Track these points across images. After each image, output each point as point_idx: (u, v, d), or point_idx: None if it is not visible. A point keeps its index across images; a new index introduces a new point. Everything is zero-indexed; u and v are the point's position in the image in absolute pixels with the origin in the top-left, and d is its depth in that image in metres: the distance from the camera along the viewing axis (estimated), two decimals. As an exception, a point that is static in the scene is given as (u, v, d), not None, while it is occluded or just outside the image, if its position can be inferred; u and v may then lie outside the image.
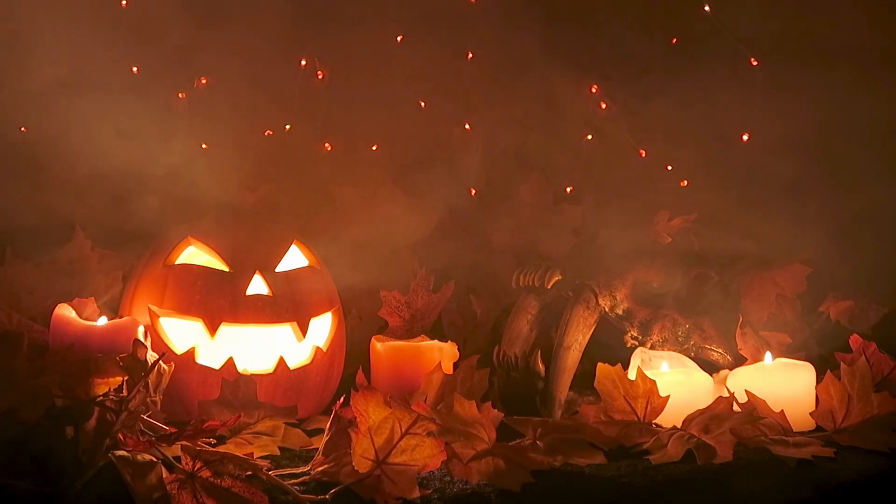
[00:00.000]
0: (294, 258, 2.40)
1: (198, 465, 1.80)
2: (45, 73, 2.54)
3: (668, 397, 2.16)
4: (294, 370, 2.32)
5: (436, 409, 1.96)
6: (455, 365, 2.36)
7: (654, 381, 2.17)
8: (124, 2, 2.62)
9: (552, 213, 2.85)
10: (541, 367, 2.38)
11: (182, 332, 2.30)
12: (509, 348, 2.45)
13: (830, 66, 2.69)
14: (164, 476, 1.81)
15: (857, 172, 2.67)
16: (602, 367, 2.18)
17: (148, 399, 2.02)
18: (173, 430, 1.97)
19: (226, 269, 2.32)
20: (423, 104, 2.84)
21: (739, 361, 2.43)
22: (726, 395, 2.19)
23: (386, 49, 2.82)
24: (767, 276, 2.54)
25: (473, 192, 2.82)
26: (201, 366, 2.27)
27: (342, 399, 1.99)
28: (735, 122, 2.73)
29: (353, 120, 2.84)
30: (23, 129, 2.65)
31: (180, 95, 2.71)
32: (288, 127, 2.77)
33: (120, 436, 1.89)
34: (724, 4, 2.69)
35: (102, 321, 2.23)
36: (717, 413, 2.12)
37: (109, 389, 1.91)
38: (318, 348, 2.37)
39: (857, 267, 2.63)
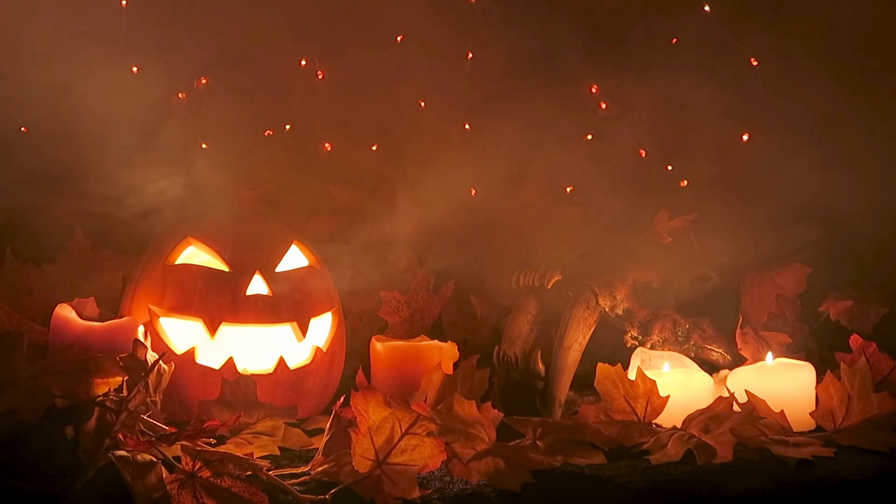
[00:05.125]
0: (294, 258, 2.40)
1: (198, 465, 1.80)
2: (45, 72, 2.54)
3: (668, 397, 2.16)
4: (294, 370, 2.33)
5: (436, 409, 1.96)
6: (455, 365, 2.37)
7: (654, 381, 2.17)
8: (124, 2, 2.62)
9: (552, 213, 2.85)
10: (541, 367, 2.38)
11: (182, 332, 2.30)
12: (509, 348, 2.45)
13: (830, 65, 2.69)
14: (164, 476, 1.81)
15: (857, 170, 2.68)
16: (602, 367, 2.18)
17: (148, 399, 2.02)
18: (173, 430, 1.97)
19: (226, 269, 2.32)
20: (423, 104, 2.84)
21: (739, 361, 2.43)
22: (726, 395, 2.19)
23: (386, 49, 2.81)
24: (767, 276, 2.54)
25: (473, 192, 2.82)
26: (201, 366, 2.27)
27: (342, 399, 1.99)
28: (735, 121, 2.73)
29: (353, 120, 2.83)
30: (23, 129, 2.65)
31: (180, 95, 2.71)
32: (288, 127, 2.77)
33: (120, 436, 1.89)
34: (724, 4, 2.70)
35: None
36: (717, 413, 2.12)
37: (109, 389, 1.91)
38: (318, 348, 2.37)
39: (858, 267, 2.63)
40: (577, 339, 2.38)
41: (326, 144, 2.83)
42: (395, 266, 2.71)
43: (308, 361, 2.35)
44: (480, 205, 2.81)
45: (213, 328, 2.27)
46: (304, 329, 2.32)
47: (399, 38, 2.81)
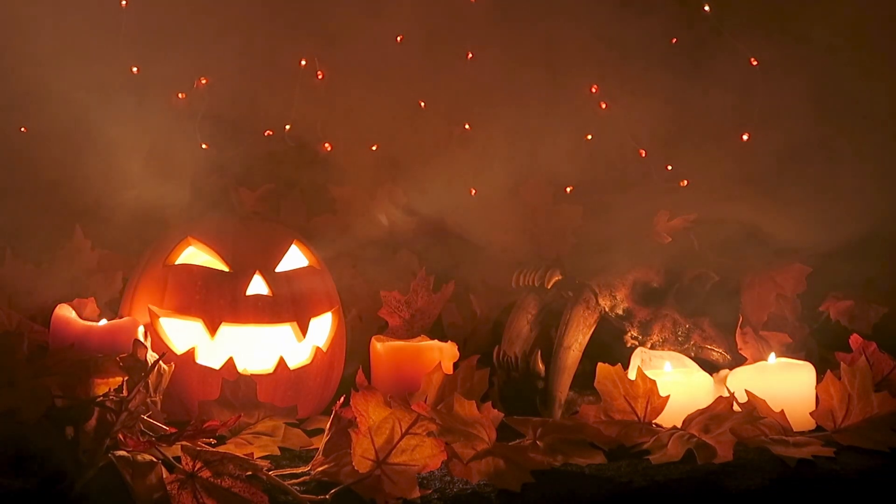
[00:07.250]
0: (294, 258, 2.40)
1: (198, 465, 1.80)
2: (45, 72, 2.54)
3: (668, 397, 2.16)
4: (294, 370, 2.33)
5: (436, 409, 1.96)
6: (455, 365, 2.36)
7: (654, 381, 2.17)
8: (124, 2, 2.62)
9: (552, 213, 2.85)
10: (541, 367, 2.38)
11: (182, 332, 2.30)
12: (509, 348, 2.45)
13: (830, 63, 2.69)
14: (164, 476, 1.82)
15: (858, 169, 2.68)
16: (602, 367, 2.18)
17: (148, 399, 2.02)
18: (173, 430, 1.98)
19: (226, 269, 2.32)
20: (423, 104, 2.84)
21: (739, 361, 2.43)
22: (726, 395, 2.19)
23: (386, 49, 2.81)
24: (767, 276, 2.54)
25: (473, 192, 2.82)
26: (201, 366, 2.27)
27: (342, 399, 1.99)
28: (735, 121, 2.73)
29: (353, 120, 2.83)
30: (23, 129, 2.65)
31: (180, 95, 2.71)
32: (288, 127, 2.77)
33: (120, 436, 1.89)
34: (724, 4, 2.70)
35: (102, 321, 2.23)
36: (717, 413, 2.12)
37: (109, 389, 1.91)
38: (318, 348, 2.37)
39: (857, 267, 2.63)
40: (577, 339, 2.38)
41: (326, 144, 2.83)
42: (394, 266, 2.71)
43: (308, 361, 2.35)
44: (480, 204, 2.81)
45: (213, 328, 2.27)
46: (304, 329, 2.33)
47: (399, 38, 2.81)
